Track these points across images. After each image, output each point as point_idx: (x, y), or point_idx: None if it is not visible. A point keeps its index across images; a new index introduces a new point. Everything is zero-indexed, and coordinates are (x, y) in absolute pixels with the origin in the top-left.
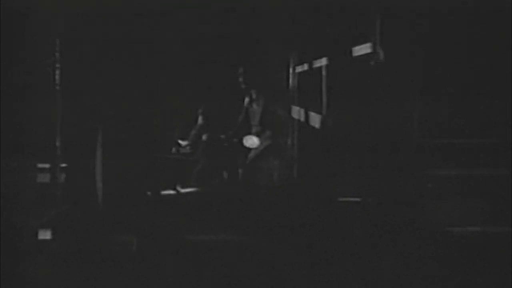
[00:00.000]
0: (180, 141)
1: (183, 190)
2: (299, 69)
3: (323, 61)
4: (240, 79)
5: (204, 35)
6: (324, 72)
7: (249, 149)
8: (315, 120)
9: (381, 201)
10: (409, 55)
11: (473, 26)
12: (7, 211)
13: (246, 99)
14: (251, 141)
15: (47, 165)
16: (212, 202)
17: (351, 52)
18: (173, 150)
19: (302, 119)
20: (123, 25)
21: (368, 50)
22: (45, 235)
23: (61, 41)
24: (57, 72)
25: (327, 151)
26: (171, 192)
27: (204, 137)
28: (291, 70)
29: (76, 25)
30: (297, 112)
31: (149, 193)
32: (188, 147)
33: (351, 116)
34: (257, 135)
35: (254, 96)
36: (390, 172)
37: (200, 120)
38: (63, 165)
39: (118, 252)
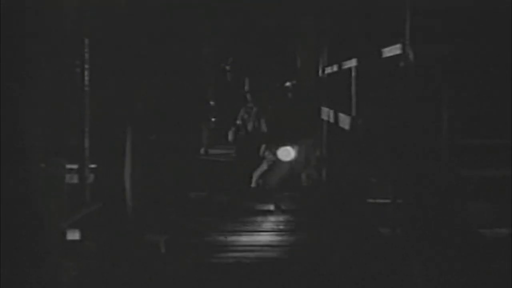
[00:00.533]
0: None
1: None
2: (328, 70)
3: (352, 62)
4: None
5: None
6: (353, 73)
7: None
8: (345, 121)
9: (411, 202)
10: (439, 56)
11: (504, 26)
12: (36, 212)
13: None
14: (286, 152)
15: (75, 166)
16: (240, 205)
17: (380, 53)
18: (202, 151)
19: (332, 120)
20: (153, 24)
21: (398, 51)
22: (73, 235)
23: (90, 41)
24: (86, 73)
25: (356, 152)
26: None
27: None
28: (320, 71)
29: (105, 25)
30: (326, 114)
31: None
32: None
33: (381, 117)
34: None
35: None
36: (420, 174)
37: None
38: (92, 165)
39: (147, 253)
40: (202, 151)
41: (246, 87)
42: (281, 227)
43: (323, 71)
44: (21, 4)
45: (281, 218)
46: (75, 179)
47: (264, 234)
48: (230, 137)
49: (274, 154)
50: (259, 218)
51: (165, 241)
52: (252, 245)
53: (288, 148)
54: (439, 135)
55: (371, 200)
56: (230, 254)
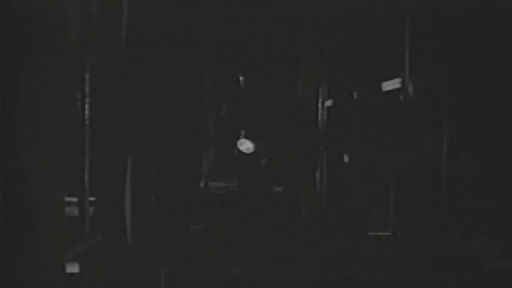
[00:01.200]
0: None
1: None
2: (328, 103)
3: (352, 96)
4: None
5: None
6: (353, 107)
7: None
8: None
9: (411, 235)
10: (438, 90)
11: (505, 59)
12: (35, 244)
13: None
14: (246, 146)
15: (75, 199)
16: (238, 236)
17: (380, 87)
18: (201, 184)
19: (332, 153)
20: (154, 58)
21: (398, 85)
22: (73, 268)
23: (92, 74)
24: (87, 106)
25: (356, 185)
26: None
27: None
28: (320, 104)
29: (107, 58)
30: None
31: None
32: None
33: (381, 150)
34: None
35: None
36: (420, 206)
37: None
38: (92, 198)
39: (147, 286)
40: (202, 183)
41: (243, 133)
42: (282, 258)
43: (323, 104)
44: (22, 36)
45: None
46: (75, 212)
47: (265, 266)
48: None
49: None
50: (260, 250)
51: (165, 274)
52: (252, 277)
53: (247, 141)
54: (439, 168)
55: (372, 233)
56: (232, 286)
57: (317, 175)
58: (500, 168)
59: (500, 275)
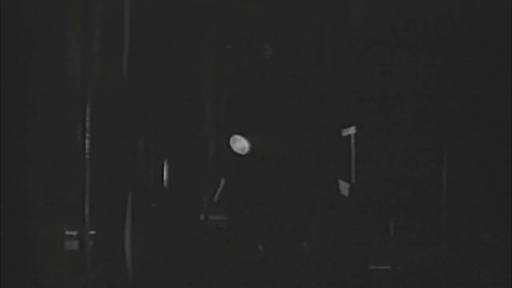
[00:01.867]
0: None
1: None
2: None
3: (351, 130)
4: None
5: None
6: (353, 140)
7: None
8: (344, 188)
9: (412, 269)
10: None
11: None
12: (34, 279)
13: None
14: (240, 144)
15: (75, 232)
16: (242, 274)
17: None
18: (202, 217)
19: (331, 185)
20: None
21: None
22: None
23: (92, 108)
24: (87, 141)
25: (356, 219)
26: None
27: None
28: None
29: (107, 91)
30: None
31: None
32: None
33: (381, 183)
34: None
35: None
36: (421, 239)
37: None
38: (92, 232)
39: None
40: (202, 217)
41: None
42: None
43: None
44: (23, 70)
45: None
46: (75, 246)
47: None
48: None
49: None
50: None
51: None
52: None
53: (242, 138)
54: (439, 200)
55: (373, 267)
56: None
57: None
58: (501, 200)
59: None
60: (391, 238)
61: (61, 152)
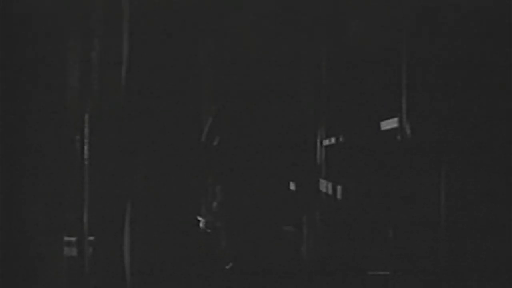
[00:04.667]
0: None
1: None
2: (326, 142)
3: (349, 135)
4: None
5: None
6: (351, 146)
7: None
8: (337, 191)
9: (411, 274)
10: (437, 131)
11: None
12: (33, 284)
13: None
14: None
15: (74, 239)
16: (242, 277)
17: (378, 126)
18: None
19: (330, 192)
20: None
21: (395, 125)
22: None
23: (91, 116)
24: (86, 147)
25: (355, 224)
26: None
27: None
28: (318, 144)
29: (106, 99)
30: (324, 186)
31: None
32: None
33: (379, 189)
34: None
35: None
36: (418, 246)
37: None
38: (91, 238)
39: None
40: (201, 224)
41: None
42: None
43: (321, 143)
44: (22, 76)
45: None
46: (74, 252)
47: None
48: None
49: None
50: None
51: None
52: None
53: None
54: (437, 208)
55: (371, 273)
56: None
57: (316, 215)
58: (501, 211)
59: None
60: (390, 243)
61: (60, 158)
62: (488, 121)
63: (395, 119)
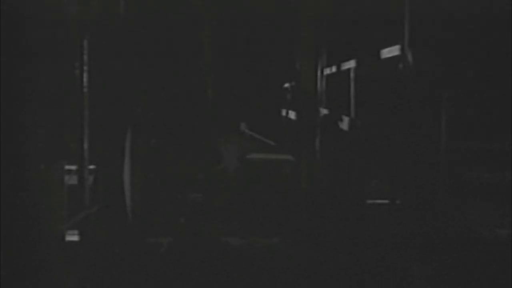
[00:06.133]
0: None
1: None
2: (327, 71)
3: (351, 64)
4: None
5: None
6: (352, 74)
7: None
8: (344, 122)
9: (410, 203)
10: (437, 58)
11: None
12: (35, 213)
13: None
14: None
15: (75, 167)
16: (239, 205)
17: (379, 54)
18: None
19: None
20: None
21: (397, 53)
22: (72, 236)
23: (90, 44)
24: (85, 74)
25: (355, 153)
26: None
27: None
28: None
29: (105, 27)
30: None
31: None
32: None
33: (380, 118)
34: None
35: None
36: (418, 175)
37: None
38: (91, 166)
39: (146, 255)
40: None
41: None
42: (279, 228)
43: (322, 72)
44: (21, 7)
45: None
46: (74, 180)
47: (266, 235)
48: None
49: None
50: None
51: (166, 243)
52: (252, 247)
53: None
54: (438, 137)
55: (370, 201)
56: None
57: (317, 143)
58: (500, 138)
59: (497, 244)
60: (390, 173)
61: (60, 86)
62: (493, 47)
63: (397, 47)
